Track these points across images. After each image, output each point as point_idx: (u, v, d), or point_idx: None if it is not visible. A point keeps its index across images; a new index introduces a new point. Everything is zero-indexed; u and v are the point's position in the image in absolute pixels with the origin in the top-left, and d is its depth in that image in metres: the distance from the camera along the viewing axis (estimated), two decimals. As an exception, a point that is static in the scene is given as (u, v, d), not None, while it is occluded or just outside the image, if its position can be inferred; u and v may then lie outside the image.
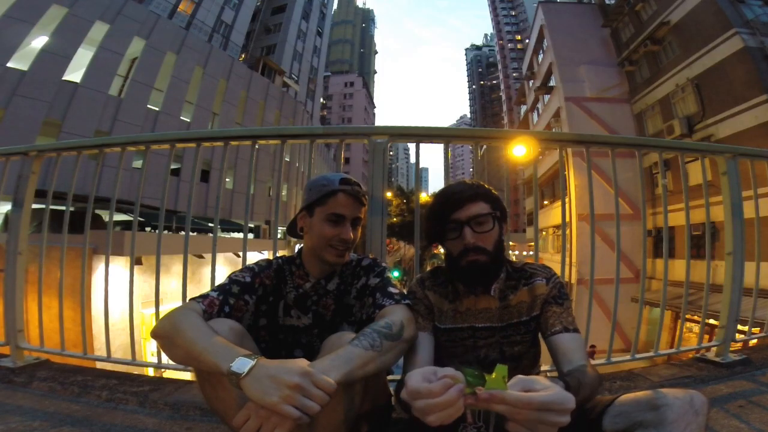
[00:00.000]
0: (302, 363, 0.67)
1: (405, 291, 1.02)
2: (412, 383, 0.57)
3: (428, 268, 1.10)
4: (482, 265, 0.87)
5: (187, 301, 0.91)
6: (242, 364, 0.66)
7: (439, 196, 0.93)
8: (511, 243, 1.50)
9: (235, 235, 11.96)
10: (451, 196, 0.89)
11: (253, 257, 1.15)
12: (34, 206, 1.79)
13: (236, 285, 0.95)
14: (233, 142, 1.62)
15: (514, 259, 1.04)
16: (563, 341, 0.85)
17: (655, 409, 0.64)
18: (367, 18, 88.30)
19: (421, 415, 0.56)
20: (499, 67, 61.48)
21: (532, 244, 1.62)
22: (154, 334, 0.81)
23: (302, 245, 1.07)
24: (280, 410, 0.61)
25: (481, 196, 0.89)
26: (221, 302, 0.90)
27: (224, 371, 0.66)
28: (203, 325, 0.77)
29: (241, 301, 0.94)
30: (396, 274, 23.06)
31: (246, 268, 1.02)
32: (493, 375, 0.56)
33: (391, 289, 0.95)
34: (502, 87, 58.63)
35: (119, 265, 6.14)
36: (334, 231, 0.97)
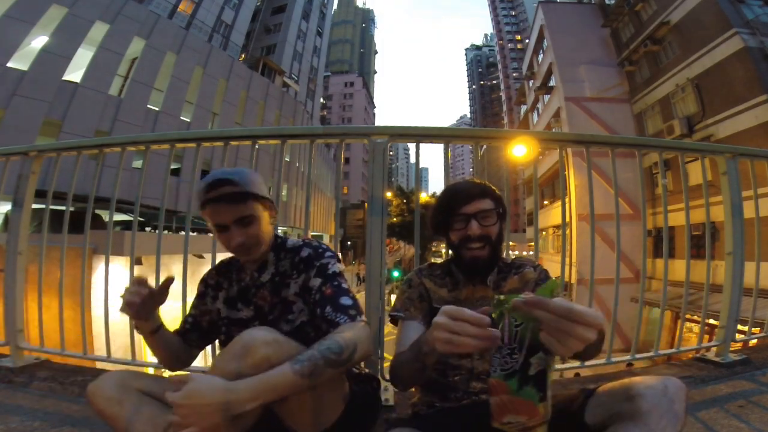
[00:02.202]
0: (219, 394, 0.67)
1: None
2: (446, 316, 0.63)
3: None
4: (485, 260, 0.96)
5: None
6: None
7: (448, 191, 1.01)
8: (511, 243, 1.49)
9: (235, 235, 11.92)
10: (461, 192, 0.97)
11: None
12: (34, 206, 1.79)
13: (195, 299, 1.08)
14: (233, 142, 1.62)
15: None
16: None
17: (630, 400, 0.63)
18: (367, 18, 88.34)
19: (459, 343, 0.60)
20: (499, 67, 61.53)
21: (532, 244, 1.62)
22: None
23: None
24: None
25: (487, 193, 0.97)
26: (184, 321, 1.08)
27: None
28: None
29: (202, 307, 1.07)
30: (396, 274, 23.03)
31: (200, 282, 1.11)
32: (543, 288, 0.61)
33: (344, 301, 0.88)
34: (502, 87, 58.70)
35: (119, 265, 6.12)
36: (223, 238, 0.94)
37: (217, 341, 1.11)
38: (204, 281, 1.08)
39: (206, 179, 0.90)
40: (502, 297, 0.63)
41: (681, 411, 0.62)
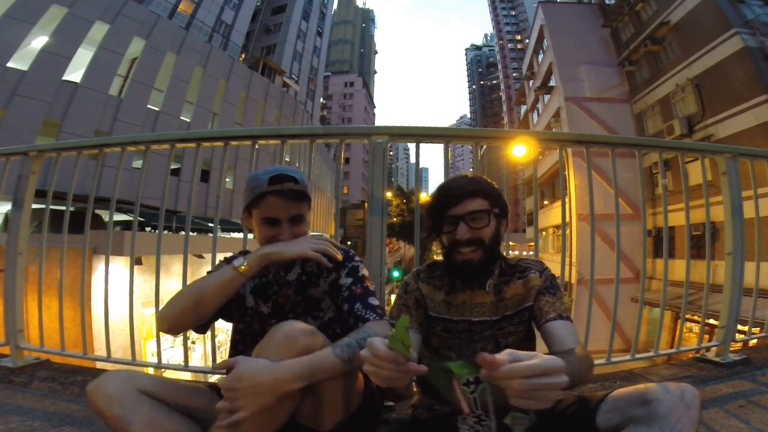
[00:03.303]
0: (268, 373, 0.69)
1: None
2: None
3: None
4: (476, 264, 0.89)
5: None
6: (239, 261, 0.90)
7: (439, 190, 0.94)
8: (511, 243, 1.50)
9: (235, 235, 11.96)
10: (451, 192, 0.91)
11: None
12: (34, 206, 1.79)
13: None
14: (233, 142, 1.62)
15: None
16: (557, 328, 0.86)
17: (646, 404, 0.64)
18: (367, 18, 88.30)
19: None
20: (499, 67, 61.51)
21: (532, 244, 1.62)
22: (163, 316, 0.91)
23: None
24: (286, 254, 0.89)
25: (479, 192, 0.90)
26: None
27: (236, 267, 0.89)
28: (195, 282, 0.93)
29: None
30: (396, 274, 23.01)
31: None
32: (395, 330, 0.56)
33: (372, 301, 0.94)
34: (502, 87, 58.68)
35: (119, 265, 6.13)
36: (271, 233, 0.95)
37: (226, 331, 1.11)
38: (229, 261, 1.05)
39: (269, 171, 0.93)
40: (447, 365, 0.60)
41: (696, 418, 0.62)
